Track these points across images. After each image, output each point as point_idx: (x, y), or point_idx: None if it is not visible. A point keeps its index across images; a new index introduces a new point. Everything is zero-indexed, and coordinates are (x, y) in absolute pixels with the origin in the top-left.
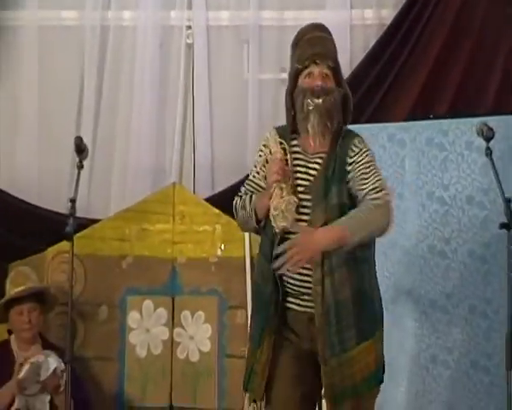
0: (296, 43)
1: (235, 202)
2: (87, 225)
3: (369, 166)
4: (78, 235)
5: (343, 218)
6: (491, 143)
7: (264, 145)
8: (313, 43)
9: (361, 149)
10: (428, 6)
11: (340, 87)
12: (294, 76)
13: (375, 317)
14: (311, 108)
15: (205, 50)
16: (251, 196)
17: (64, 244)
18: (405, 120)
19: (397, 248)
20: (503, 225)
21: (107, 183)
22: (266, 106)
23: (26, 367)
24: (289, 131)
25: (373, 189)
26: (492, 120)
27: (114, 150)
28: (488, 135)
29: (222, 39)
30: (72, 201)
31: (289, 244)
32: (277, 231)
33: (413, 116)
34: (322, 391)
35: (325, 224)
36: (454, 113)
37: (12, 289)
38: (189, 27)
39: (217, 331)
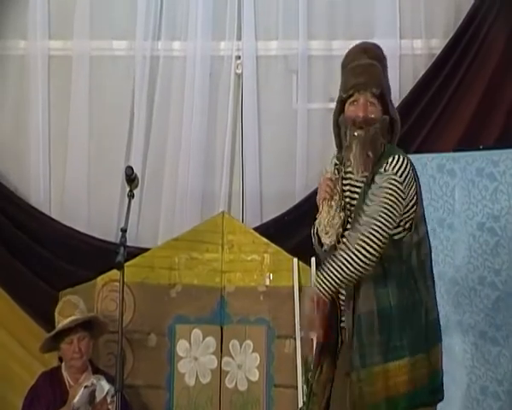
0: (343, 68)
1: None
2: (136, 253)
3: (381, 192)
4: (127, 264)
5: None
6: None
7: (325, 169)
8: (357, 73)
9: (386, 172)
10: (479, 35)
11: (386, 112)
12: (340, 103)
13: (417, 336)
14: (353, 138)
15: (254, 80)
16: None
17: (114, 273)
18: (455, 150)
19: (446, 280)
20: None
21: (156, 211)
22: (315, 136)
23: (81, 391)
24: (341, 154)
25: (363, 218)
26: None
27: (163, 179)
28: None
29: (271, 69)
30: (123, 230)
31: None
32: (325, 247)
33: (463, 146)
34: None
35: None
36: (504, 143)
37: (61, 320)
38: (239, 57)
39: (265, 361)
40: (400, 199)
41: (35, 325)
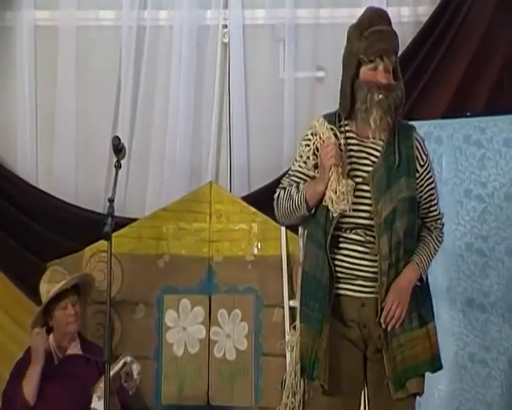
0: (361, 32)
1: (277, 194)
2: (124, 224)
3: (434, 187)
4: (115, 234)
5: (418, 252)
6: None
7: (312, 134)
8: (381, 38)
9: (427, 159)
10: (466, 1)
11: (399, 82)
12: (356, 65)
13: (432, 305)
14: (375, 102)
15: (241, 49)
16: (297, 187)
17: (102, 243)
18: (442, 117)
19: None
20: None
21: (143, 182)
22: (302, 105)
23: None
24: (343, 117)
25: (439, 217)
26: None
27: (151, 150)
28: None
29: (257, 38)
30: (111, 200)
31: (387, 307)
32: (335, 215)
33: (450, 113)
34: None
35: (393, 212)
36: (491, 110)
37: (50, 288)
38: (225, 26)
39: (253, 330)
40: None
41: (24, 297)
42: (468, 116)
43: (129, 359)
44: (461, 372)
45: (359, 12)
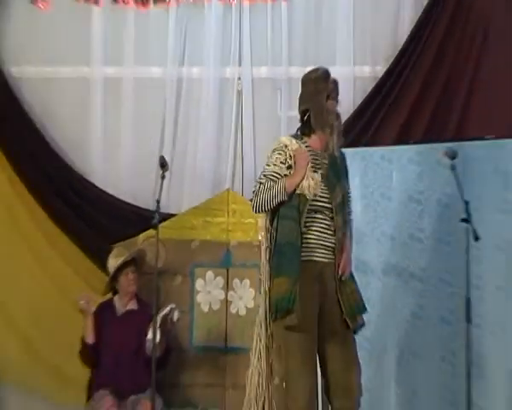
0: (325, 79)
1: (257, 187)
2: (167, 218)
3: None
4: (161, 225)
5: (350, 230)
6: (455, 161)
7: (285, 146)
8: (334, 85)
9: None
10: (407, 64)
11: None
12: (325, 99)
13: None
14: (334, 126)
15: (250, 95)
16: (274, 181)
17: (151, 231)
18: (393, 144)
19: (387, 236)
20: (462, 220)
21: (180, 189)
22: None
23: (176, 312)
24: (301, 136)
25: (350, 206)
26: (454, 145)
27: (185, 167)
28: (452, 155)
29: (262, 87)
30: (158, 201)
31: (343, 264)
32: (310, 197)
33: (398, 142)
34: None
35: (342, 199)
36: (427, 140)
37: (115, 262)
38: (239, 79)
39: (258, 293)
40: None
41: (96, 269)
42: (410, 143)
43: (174, 306)
44: (404, 324)
45: (334, 69)
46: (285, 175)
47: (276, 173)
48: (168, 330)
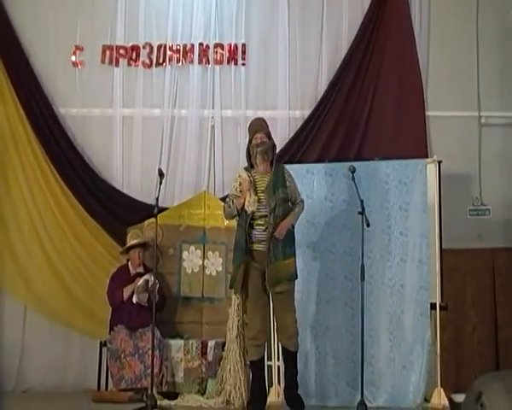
0: (249, 129)
1: (224, 204)
2: (163, 210)
3: (295, 189)
4: (159, 215)
5: (290, 214)
6: (355, 174)
7: (239, 176)
8: (257, 125)
9: (290, 176)
10: (325, 109)
11: (270, 140)
12: (249, 140)
13: (294, 247)
14: (257, 152)
15: (219, 129)
16: (233, 200)
17: (152, 219)
18: (314, 162)
19: (310, 223)
20: (359, 213)
21: (172, 190)
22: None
23: (141, 280)
24: (250, 168)
25: (299, 200)
26: (355, 163)
27: (176, 176)
28: (353, 170)
29: (228, 123)
30: (157, 198)
31: (279, 230)
32: (249, 213)
33: (318, 161)
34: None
35: (275, 206)
36: (337, 159)
37: (131, 241)
38: (213, 117)
39: (225, 262)
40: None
41: (115, 243)
42: (325, 162)
43: (150, 274)
44: (319, 282)
45: (276, 112)
46: (238, 196)
47: (233, 196)
48: (147, 288)
